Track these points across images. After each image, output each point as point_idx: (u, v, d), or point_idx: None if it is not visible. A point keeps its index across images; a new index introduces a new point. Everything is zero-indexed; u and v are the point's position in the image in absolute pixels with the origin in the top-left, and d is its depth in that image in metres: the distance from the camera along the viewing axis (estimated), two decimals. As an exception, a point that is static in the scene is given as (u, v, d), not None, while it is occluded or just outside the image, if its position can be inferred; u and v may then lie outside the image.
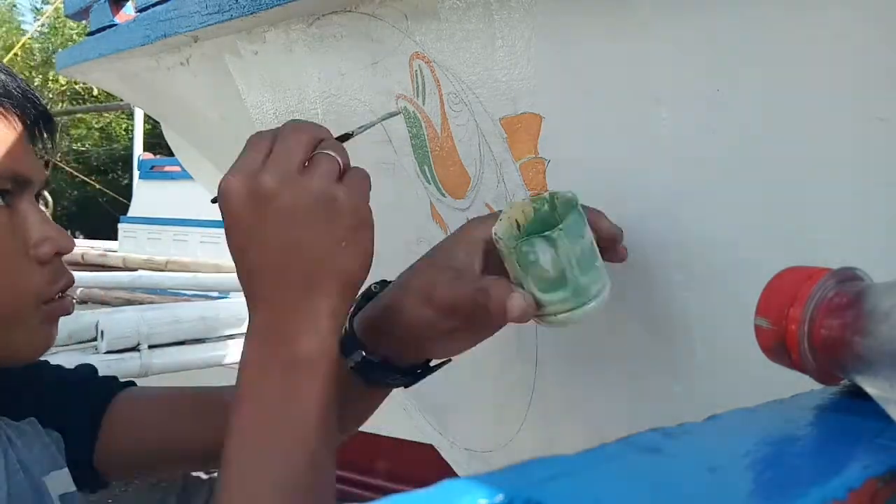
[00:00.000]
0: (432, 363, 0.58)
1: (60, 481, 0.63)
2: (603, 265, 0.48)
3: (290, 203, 0.44)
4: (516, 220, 0.51)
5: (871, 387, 0.29)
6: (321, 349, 0.46)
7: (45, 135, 0.60)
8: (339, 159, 0.47)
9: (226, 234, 0.47)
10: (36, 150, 0.60)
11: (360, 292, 0.55)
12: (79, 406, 0.68)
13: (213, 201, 0.47)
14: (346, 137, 0.51)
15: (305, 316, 0.46)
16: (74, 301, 0.62)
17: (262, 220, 0.45)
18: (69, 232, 0.61)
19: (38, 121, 0.59)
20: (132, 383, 0.75)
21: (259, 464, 0.44)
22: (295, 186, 0.45)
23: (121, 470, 0.72)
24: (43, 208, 0.61)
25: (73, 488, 0.64)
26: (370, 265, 0.49)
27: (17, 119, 0.57)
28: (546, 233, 0.45)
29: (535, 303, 0.46)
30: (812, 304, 0.31)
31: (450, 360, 0.60)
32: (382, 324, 0.54)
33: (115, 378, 0.74)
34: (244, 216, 0.45)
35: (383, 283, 0.59)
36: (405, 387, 0.57)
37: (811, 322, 0.31)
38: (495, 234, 0.48)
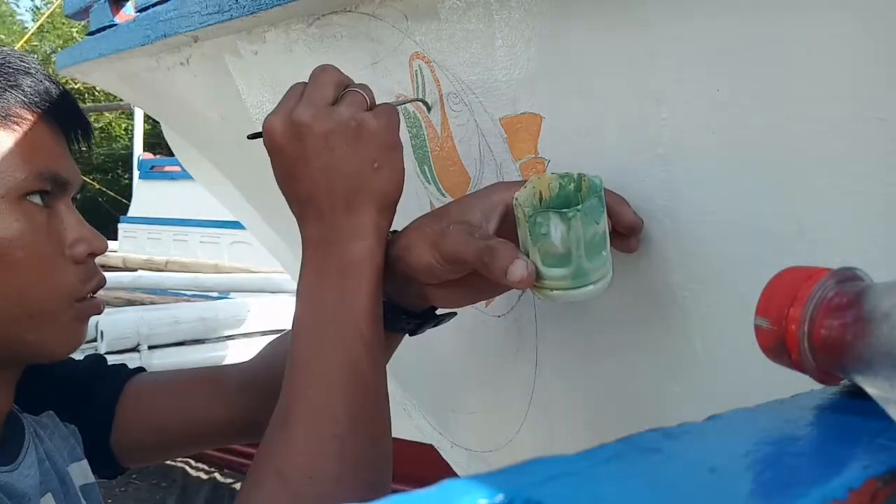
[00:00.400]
0: (438, 312, 0.60)
1: (80, 472, 0.66)
2: (609, 256, 0.49)
3: (323, 130, 0.50)
4: (540, 192, 0.52)
5: (871, 387, 0.29)
6: (368, 252, 0.51)
7: (81, 140, 0.63)
8: (365, 95, 0.53)
9: (273, 168, 0.53)
10: (72, 153, 0.63)
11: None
12: (92, 397, 0.70)
13: (252, 137, 0.55)
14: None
15: (351, 227, 0.51)
16: (105, 302, 0.65)
17: (301, 149, 0.51)
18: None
19: (76, 126, 0.62)
20: (142, 369, 0.77)
21: (322, 355, 0.50)
22: (326, 116, 0.51)
23: (137, 455, 0.73)
24: None
25: (92, 479, 0.67)
26: (402, 185, 0.54)
27: (56, 124, 0.60)
28: (563, 210, 0.46)
29: (536, 273, 0.47)
30: (812, 304, 0.31)
31: (454, 314, 0.62)
32: (390, 260, 0.55)
33: (124, 366, 0.76)
34: (286, 147, 0.51)
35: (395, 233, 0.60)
36: (410, 334, 0.60)
37: (811, 322, 0.31)
38: (516, 199, 0.50)
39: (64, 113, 0.61)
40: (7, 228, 0.54)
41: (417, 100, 0.61)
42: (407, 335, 0.61)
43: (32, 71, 0.59)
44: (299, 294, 0.54)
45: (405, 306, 0.58)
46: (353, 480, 0.47)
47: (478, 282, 0.53)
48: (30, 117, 0.57)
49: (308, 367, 0.51)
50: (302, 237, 0.55)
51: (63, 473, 0.63)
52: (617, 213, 0.52)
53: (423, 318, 0.59)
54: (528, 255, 0.47)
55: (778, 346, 0.32)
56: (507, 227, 0.52)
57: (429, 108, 0.61)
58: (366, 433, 0.49)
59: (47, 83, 0.60)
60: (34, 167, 0.56)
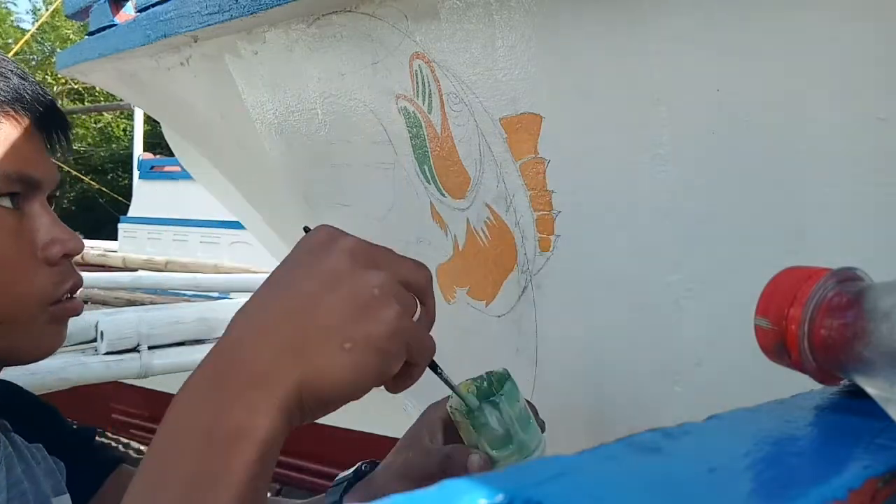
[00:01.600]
0: None
1: None
2: (536, 425, 0.58)
3: (343, 268, 0.40)
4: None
5: (870, 387, 0.29)
6: (249, 428, 0.38)
7: (59, 137, 0.60)
8: (418, 302, 0.44)
9: (287, 259, 0.43)
10: (50, 151, 0.60)
11: (351, 469, 0.61)
12: (78, 471, 0.66)
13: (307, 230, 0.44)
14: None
15: (256, 386, 0.39)
16: (85, 302, 0.62)
17: (313, 260, 0.41)
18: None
19: (52, 123, 0.60)
20: (126, 458, 0.73)
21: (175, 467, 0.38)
22: (362, 273, 0.41)
23: None
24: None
25: None
26: (351, 398, 0.41)
27: (28, 121, 0.57)
28: (491, 398, 0.55)
29: (489, 459, 0.55)
30: (812, 304, 0.31)
31: None
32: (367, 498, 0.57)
33: (114, 449, 0.73)
34: (304, 252, 0.42)
35: (373, 463, 0.63)
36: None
37: (811, 322, 0.31)
38: (450, 407, 0.58)
39: (36, 110, 0.58)
40: None
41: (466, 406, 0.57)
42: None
43: (10, 69, 0.57)
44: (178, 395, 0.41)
45: None
46: None
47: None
48: (2, 115, 0.55)
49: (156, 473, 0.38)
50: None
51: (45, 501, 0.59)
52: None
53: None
54: (477, 447, 0.55)
55: (778, 346, 0.32)
56: (451, 433, 0.59)
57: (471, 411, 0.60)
58: None
59: (17, 80, 0.57)
60: (4, 167, 0.54)
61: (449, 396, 0.60)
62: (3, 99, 0.56)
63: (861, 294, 0.31)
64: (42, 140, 0.59)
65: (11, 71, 0.57)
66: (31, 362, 0.59)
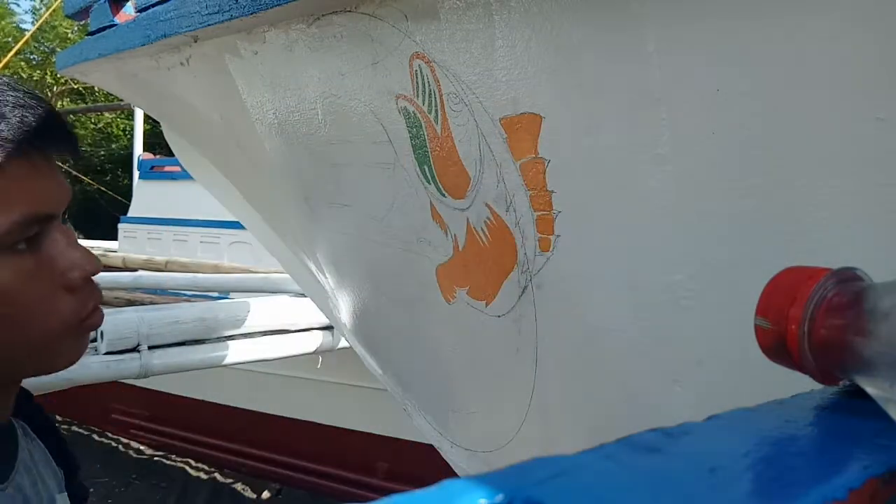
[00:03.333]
0: None
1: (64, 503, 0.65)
2: None
3: None
4: None
5: (871, 387, 0.29)
6: None
7: (67, 152, 0.58)
8: None
9: None
10: (60, 170, 0.58)
11: None
12: None
13: None
14: None
15: None
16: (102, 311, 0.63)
17: None
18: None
19: (63, 147, 0.57)
20: None
21: None
22: None
23: None
24: None
25: None
26: None
27: (39, 155, 0.55)
28: None
29: None
30: (812, 303, 0.31)
31: None
32: None
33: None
34: None
35: None
36: None
37: (811, 322, 0.31)
38: None
39: (46, 140, 0.55)
40: (14, 265, 0.52)
41: None
42: None
43: (9, 102, 0.53)
44: None
45: None
46: None
47: None
48: (5, 161, 0.52)
49: None
50: None
51: (53, 498, 0.62)
52: None
53: None
54: None
55: (778, 346, 0.32)
56: None
57: None
58: None
59: (17, 115, 0.53)
60: (15, 216, 0.52)
61: None
62: (12, 138, 0.52)
63: (861, 294, 0.31)
64: (51, 165, 0.56)
65: (11, 104, 0.54)
66: (55, 371, 0.60)
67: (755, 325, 0.34)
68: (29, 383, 0.65)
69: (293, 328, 2.02)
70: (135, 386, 3.61)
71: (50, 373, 0.60)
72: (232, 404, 3.78)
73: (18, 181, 0.53)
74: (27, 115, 0.54)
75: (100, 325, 0.61)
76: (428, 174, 0.74)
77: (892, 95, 0.42)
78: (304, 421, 3.45)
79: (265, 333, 1.96)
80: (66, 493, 0.66)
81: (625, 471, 0.21)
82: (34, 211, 0.53)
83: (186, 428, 4.12)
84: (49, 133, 0.56)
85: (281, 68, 0.85)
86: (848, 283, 0.32)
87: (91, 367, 1.59)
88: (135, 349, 1.67)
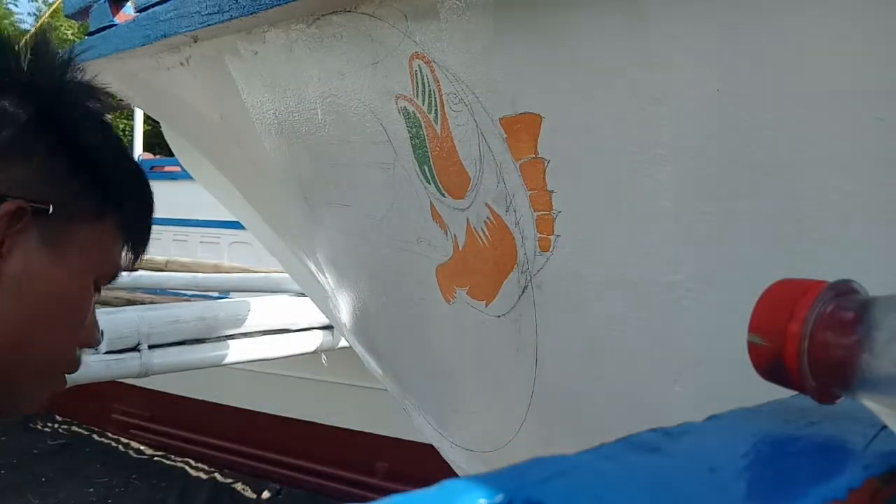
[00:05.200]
0: None
1: None
2: None
3: None
4: None
5: (874, 403, 0.27)
6: None
7: (140, 250, 0.69)
8: None
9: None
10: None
11: None
12: None
13: None
14: None
15: None
16: None
17: None
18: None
19: (141, 242, 0.68)
20: None
21: None
22: None
23: None
24: None
25: None
26: None
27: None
28: None
29: None
30: (812, 319, 0.29)
31: None
32: None
33: None
34: None
35: None
36: None
37: (811, 339, 0.29)
38: None
39: (137, 231, 0.66)
40: (81, 298, 0.59)
41: None
42: None
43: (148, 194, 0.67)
44: None
45: None
46: None
47: None
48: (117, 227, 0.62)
49: None
50: None
51: None
52: None
53: None
54: None
55: (775, 365, 0.30)
56: None
57: None
58: None
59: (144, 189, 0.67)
60: (114, 266, 0.62)
61: None
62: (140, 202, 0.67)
63: (862, 309, 0.29)
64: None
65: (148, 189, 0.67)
66: (18, 416, 0.62)
67: (748, 341, 0.32)
68: None
69: (293, 328, 2.02)
70: (135, 386, 3.61)
71: (16, 416, 0.62)
72: (232, 404, 3.78)
73: (118, 242, 0.63)
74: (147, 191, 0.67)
75: (61, 390, 0.65)
76: (428, 174, 0.74)
77: (892, 95, 0.42)
78: (304, 421, 3.45)
79: (265, 333, 1.95)
80: None
81: (624, 471, 0.21)
82: (117, 270, 0.63)
83: (186, 428, 4.12)
84: (144, 230, 0.69)
85: (281, 68, 0.85)
86: (846, 297, 0.30)
87: (91, 366, 1.59)
88: (135, 348, 1.67)
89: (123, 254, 0.64)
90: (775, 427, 0.28)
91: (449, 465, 1.01)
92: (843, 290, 0.30)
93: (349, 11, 0.72)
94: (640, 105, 0.53)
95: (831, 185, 0.46)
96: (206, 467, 4.12)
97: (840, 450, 0.26)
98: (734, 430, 0.27)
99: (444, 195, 0.74)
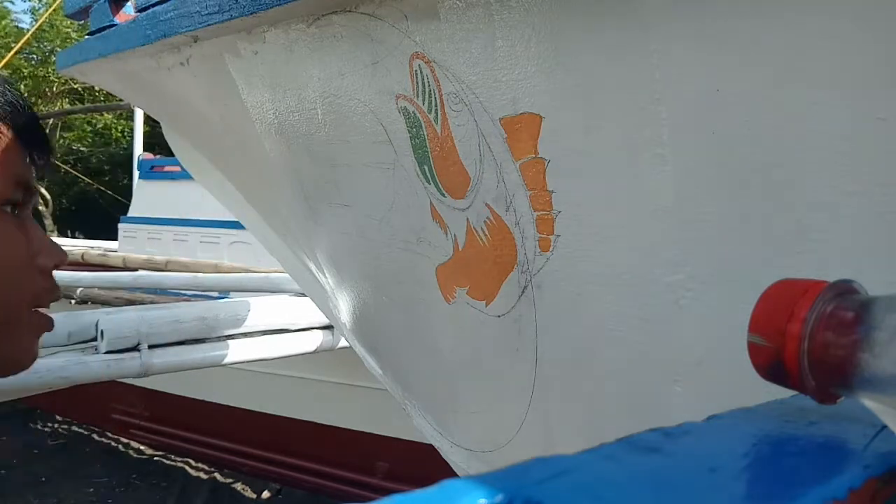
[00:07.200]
0: None
1: None
2: None
3: None
4: None
5: (876, 403, 0.28)
6: None
7: (38, 158, 0.62)
8: None
9: None
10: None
11: None
12: None
13: None
14: None
15: None
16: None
17: None
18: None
19: (39, 145, 0.61)
20: None
21: None
22: None
23: None
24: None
25: None
26: None
27: (21, 137, 0.59)
28: None
29: None
30: (812, 319, 0.29)
31: None
32: None
33: None
34: None
35: None
36: None
37: (811, 339, 0.29)
38: None
39: (28, 128, 0.60)
40: None
41: None
42: None
43: None
44: None
45: None
46: None
47: None
48: (2, 128, 0.57)
49: None
50: None
51: None
52: None
53: None
54: None
55: (775, 365, 0.30)
56: None
57: None
58: None
59: (10, 96, 0.59)
60: (9, 174, 0.56)
61: None
62: (6, 111, 0.57)
63: (863, 308, 0.29)
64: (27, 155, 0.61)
65: (5, 87, 0.59)
66: (6, 375, 0.60)
67: (748, 341, 0.32)
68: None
69: (293, 328, 2.02)
70: (135, 386, 3.61)
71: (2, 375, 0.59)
72: (232, 404, 3.78)
73: (11, 148, 0.57)
74: (18, 101, 0.59)
75: (50, 330, 0.62)
76: (428, 174, 0.74)
77: (892, 95, 0.42)
78: (304, 421, 3.45)
79: (265, 333, 1.95)
80: None
81: (625, 471, 0.21)
82: (25, 177, 0.57)
83: (186, 428, 4.12)
84: (34, 127, 0.60)
85: (281, 68, 0.85)
86: (846, 297, 0.30)
87: (91, 366, 1.59)
88: (135, 348, 1.67)
89: (25, 162, 0.59)
90: (775, 427, 0.28)
91: (449, 465, 1.01)
92: (843, 290, 0.30)
93: (349, 11, 0.72)
94: (640, 105, 0.53)
95: (831, 184, 0.46)
96: (206, 467, 4.12)
97: (840, 450, 0.26)
98: (734, 430, 0.27)
99: (444, 195, 0.74)
